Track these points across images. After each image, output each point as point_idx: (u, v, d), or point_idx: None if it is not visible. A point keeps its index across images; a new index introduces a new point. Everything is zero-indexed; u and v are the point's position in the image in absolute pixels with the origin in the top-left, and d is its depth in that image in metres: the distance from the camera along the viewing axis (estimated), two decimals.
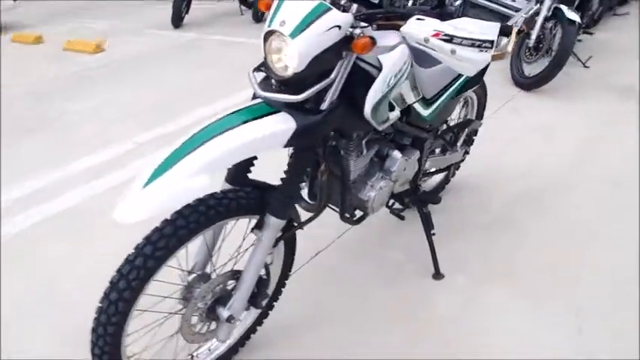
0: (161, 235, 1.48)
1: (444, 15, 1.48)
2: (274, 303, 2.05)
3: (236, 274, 1.76)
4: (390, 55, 1.63)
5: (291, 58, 1.47)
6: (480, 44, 1.40)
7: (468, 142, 2.76)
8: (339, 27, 1.47)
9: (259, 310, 1.99)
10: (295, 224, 1.87)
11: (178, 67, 5.61)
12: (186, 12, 7.13)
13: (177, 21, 6.97)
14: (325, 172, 1.93)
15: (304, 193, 2.03)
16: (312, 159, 1.71)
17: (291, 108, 1.55)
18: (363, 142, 1.91)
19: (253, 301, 1.81)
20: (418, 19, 1.45)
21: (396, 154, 2.06)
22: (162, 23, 7.18)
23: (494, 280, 2.37)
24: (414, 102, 1.96)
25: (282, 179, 1.69)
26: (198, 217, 1.52)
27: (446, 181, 2.93)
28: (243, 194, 1.65)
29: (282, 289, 2.04)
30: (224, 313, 1.72)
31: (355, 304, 2.27)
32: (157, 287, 1.56)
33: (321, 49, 1.47)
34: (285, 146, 1.55)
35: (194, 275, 1.74)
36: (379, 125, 1.76)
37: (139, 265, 1.46)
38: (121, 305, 1.47)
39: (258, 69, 1.62)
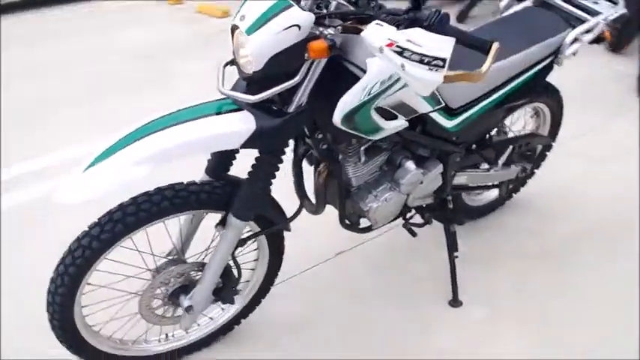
0: (109, 219, 1.49)
1: (416, 21, 1.28)
2: (261, 299, 2.00)
3: (203, 266, 1.73)
4: (377, 59, 1.46)
5: (249, 56, 1.38)
6: (429, 61, 1.20)
7: (530, 158, 2.44)
8: (299, 26, 1.34)
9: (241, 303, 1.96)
10: (279, 224, 1.79)
11: None
12: None
13: None
14: (323, 172, 1.83)
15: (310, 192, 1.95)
16: (279, 162, 1.61)
17: (255, 107, 1.47)
18: (361, 149, 1.76)
19: (219, 295, 1.77)
20: (378, 24, 1.27)
21: (409, 165, 1.87)
22: None
23: (519, 324, 2.09)
24: (431, 112, 1.76)
25: (245, 180, 1.61)
26: (149, 207, 1.51)
27: (500, 200, 2.63)
28: (207, 188, 1.60)
29: (270, 287, 1.99)
30: (184, 302, 1.71)
31: (356, 314, 2.14)
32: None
33: (279, 49, 1.36)
34: (243, 147, 1.47)
35: (164, 260, 1.74)
36: (367, 135, 1.61)
37: (85, 245, 1.49)
38: (67, 279, 1.51)
39: (231, 63, 1.55)
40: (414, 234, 2.11)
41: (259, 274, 1.94)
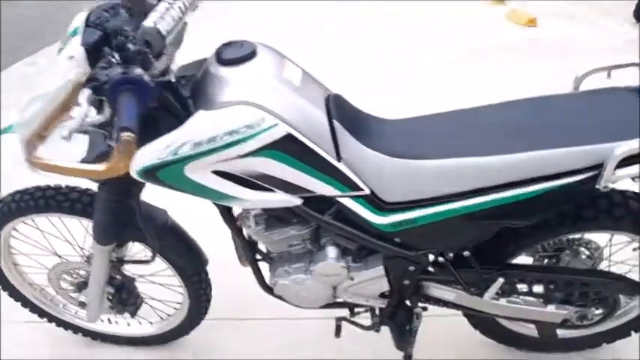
0: (11, 199, 1.65)
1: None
2: (190, 329, 1.94)
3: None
4: (201, 113, 1.23)
5: None
6: None
7: (604, 303, 1.60)
8: None
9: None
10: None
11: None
12: None
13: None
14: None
15: None
16: (112, 200, 1.50)
17: None
18: (252, 213, 1.47)
19: (114, 305, 1.77)
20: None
21: (330, 251, 1.50)
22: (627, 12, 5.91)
23: None
24: (339, 197, 1.36)
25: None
26: (29, 199, 1.61)
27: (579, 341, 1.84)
28: (86, 200, 1.61)
29: (197, 322, 1.90)
30: (80, 297, 1.78)
31: None
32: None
33: None
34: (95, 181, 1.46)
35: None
36: (208, 198, 1.36)
37: None
38: None
39: None
40: (338, 333, 1.68)
41: (185, 303, 1.84)
